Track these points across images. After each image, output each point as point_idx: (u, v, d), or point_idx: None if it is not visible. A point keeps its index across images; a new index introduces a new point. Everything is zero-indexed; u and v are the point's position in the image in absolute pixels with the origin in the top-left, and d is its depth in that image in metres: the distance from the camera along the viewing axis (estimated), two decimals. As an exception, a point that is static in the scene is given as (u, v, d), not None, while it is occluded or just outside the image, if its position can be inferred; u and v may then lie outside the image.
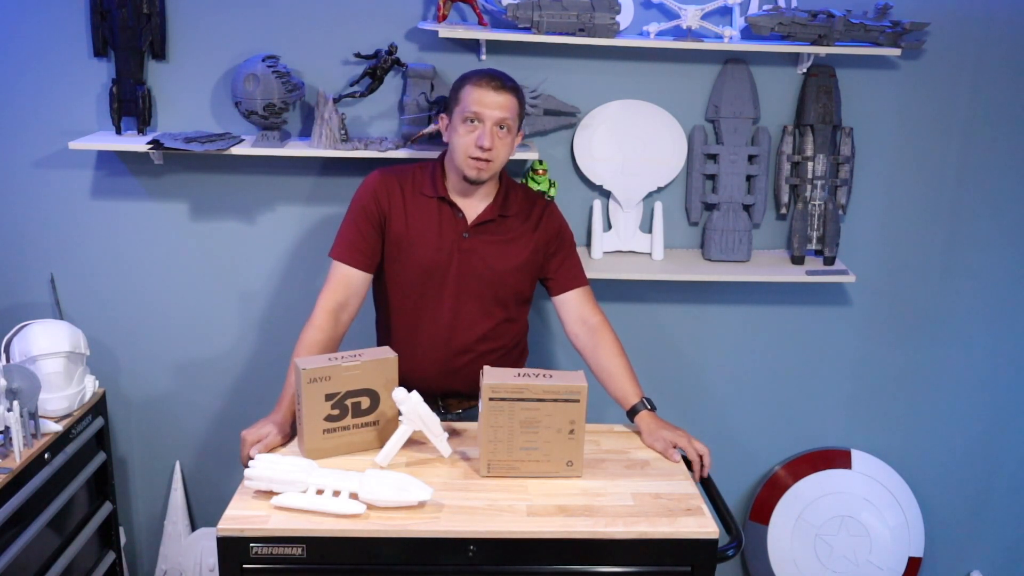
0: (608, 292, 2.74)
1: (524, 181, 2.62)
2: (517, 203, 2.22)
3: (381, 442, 1.93)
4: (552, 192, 2.60)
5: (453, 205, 2.17)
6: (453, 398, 2.28)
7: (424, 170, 2.21)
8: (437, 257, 2.16)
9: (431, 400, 2.00)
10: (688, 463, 2.01)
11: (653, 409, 2.09)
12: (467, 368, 2.21)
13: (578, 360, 2.26)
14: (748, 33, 2.60)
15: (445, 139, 2.16)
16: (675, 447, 2.00)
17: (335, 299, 2.15)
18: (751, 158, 2.73)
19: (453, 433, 2.04)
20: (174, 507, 2.86)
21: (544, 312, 2.80)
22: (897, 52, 2.57)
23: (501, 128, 2.08)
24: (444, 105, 2.14)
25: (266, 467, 1.76)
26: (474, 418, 2.10)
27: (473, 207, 2.18)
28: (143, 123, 2.55)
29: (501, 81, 2.08)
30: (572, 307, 2.23)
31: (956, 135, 2.77)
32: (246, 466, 1.86)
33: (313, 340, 2.09)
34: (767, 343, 2.92)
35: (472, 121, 2.06)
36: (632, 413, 2.10)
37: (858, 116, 2.74)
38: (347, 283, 2.16)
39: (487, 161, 2.07)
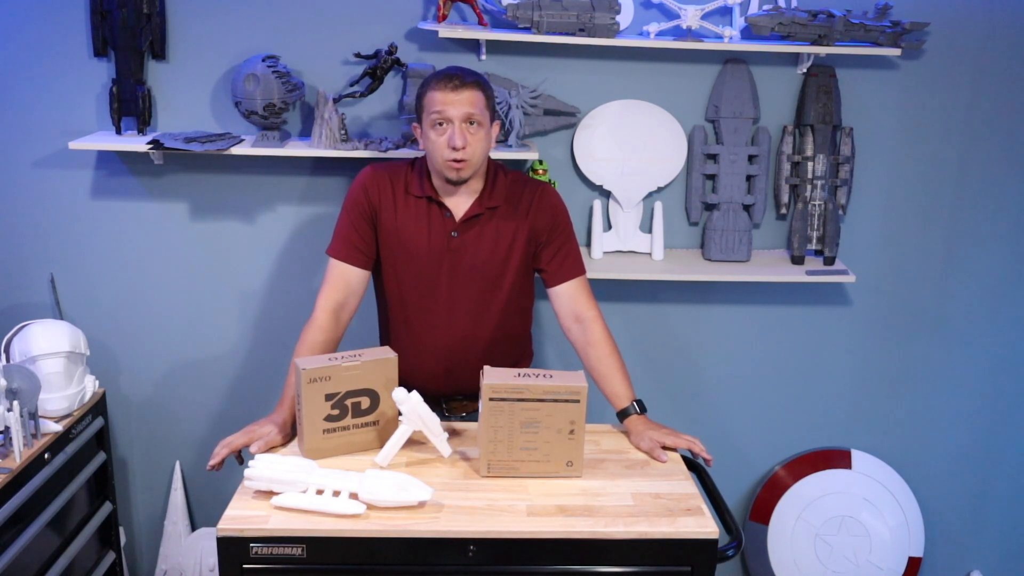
0: (608, 292, 2.74)
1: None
2: (503, 192, 2.17)
3: (381, 442, 1.93)
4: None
5: (441, 204, 2.16)
6: (455, 400, 2.27)
7: (413, 168, 2.19)
8: (428, 257, 2.16)
9: (433, 403, 2.00)
10: (691, 464, 2.01)
11: (643, 412, 2.09)
12: (466, 369, 2.20)
13: (569, 360, 2.25)
14: (748, 33, 2.60)
15: (421, 147, 2.15)
16: (663, 446, 2.00)
17: (335, 298, 2.14)
18: (751, 158, 2.73)
19: (453, 433, 2.04)
20: (174, 507, 2.86)
21: (535, 310, 2.79)
22: (897, 52, 2.57)
23: (471, 124, 2.06)
24: (416, 114, 2.14)
25: (266, 467, 1.76)
26: (474, 418, 2.10)
27: (460, 204, 2.16)
28: (143, 123, 2.55)
29: (461, 78, 2.06)
30: (565, 300, 2.20)
31: (956, 135, 2.77)
32: (212, 468, 1.89)
33: (315, 341, 2.09)
34: (767, 343, 2.92)
35: (440, 124, 2.05)
36: (622, 415, 2.10)
37: (858, 116, 2.74)
38: (346, 281, 2.16)
39: (464, 160, 2.06)
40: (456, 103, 2.03)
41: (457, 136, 2.03)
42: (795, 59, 2.68)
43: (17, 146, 2.59)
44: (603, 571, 1.72)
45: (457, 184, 2.11)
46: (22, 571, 2.21)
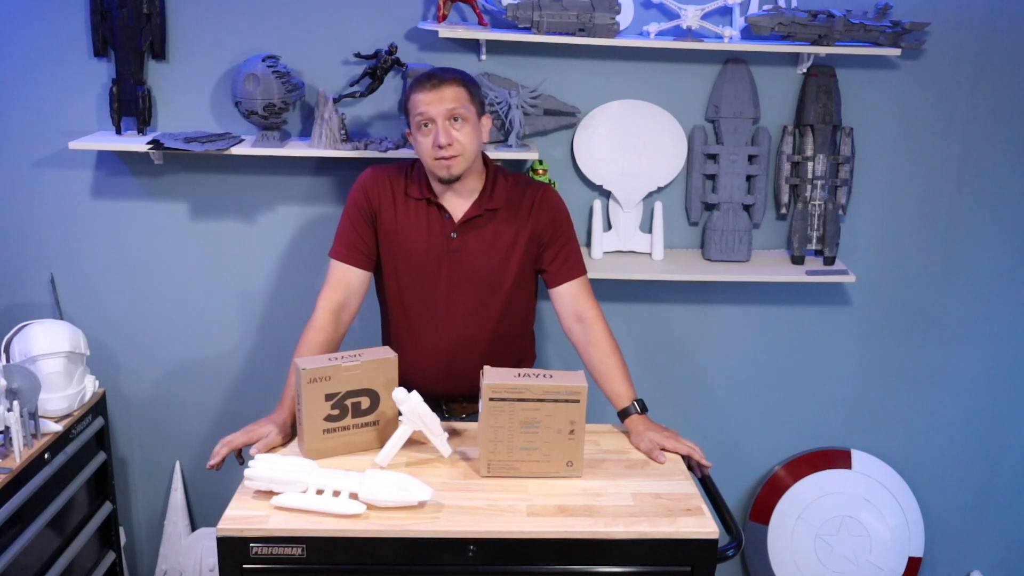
0: (608, 292, 2.74)
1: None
2: (504, 194, 2.17)
3: (381, 442, 1.93)
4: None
5: (440, 206, 2.16)
6: (456, 402, 2.27)
7: (413, 170, 2.20)
8: (427, 259, 2.16)
9: (433, 404, 2.00)
10: (691, 463, 2.01)
11: (644, 411, 2.09)
12: (467, 370, 2.20)
13: (570, 360, 2.25)
14: (748, 33, 2.60)
15: (416, 152, 2.16)
16: (662, 448, 2.00)
17: (335, 299, 2.15)
18: (751, 158, 2.73)
19: (453, 433, 2.04)
20: (174, 507, 2.86)
21: (536, 310, 2.79)
22: (897, 52, 2.57)
23: (455, 120, 2.06)
24: (405, 119, 2.15)
25: (266, 467, 1.76)
26: (474, 419, 2.10)
27: (459, 206, 2.16)
28: (143, 123, 2.55)
29: (439, 77, 2.07)
30: (567, 300, 2.20)
31: (956, 135, 2.77)
32: (212, 467, 1.90)
33: (315, 341, 2.09)
34: (767, 343, 2.92)
35: (425, 125, 2.06)
36: (623, 414, 2.10)
37: (858, 116, 2.73)
38: (346, 282, 2.16)
39: (453, 156, 2.06)
40: (436, 101, 2.04)
41: (441, 134, 2.04)
42: (795, 59, 2.68)
43: (17, 146, 2.59)
44: (603, 571, 1.72)
45: (450, 182, 2.11)
46: (22, 571, 2.21)
